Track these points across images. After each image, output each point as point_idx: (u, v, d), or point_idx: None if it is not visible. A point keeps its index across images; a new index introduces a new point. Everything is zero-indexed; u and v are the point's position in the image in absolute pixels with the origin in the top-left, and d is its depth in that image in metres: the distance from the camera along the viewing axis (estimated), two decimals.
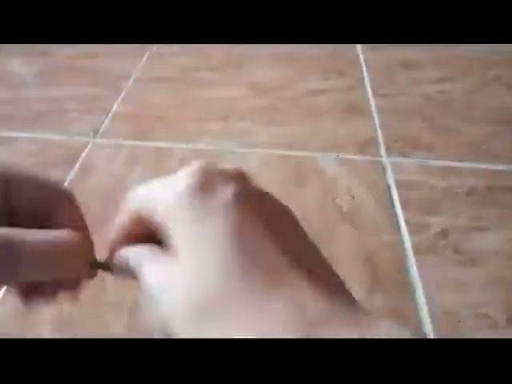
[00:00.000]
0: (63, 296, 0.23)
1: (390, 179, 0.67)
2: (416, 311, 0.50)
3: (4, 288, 0.53)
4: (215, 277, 0.18)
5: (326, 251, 0.21)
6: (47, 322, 0.50)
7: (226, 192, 0.19)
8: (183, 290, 0.18)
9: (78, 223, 0.24)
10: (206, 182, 0.19)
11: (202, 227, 0.18)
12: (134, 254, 0.22)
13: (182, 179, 0.20)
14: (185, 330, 0.18)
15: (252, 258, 0.18)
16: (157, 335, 0.22)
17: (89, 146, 0.74)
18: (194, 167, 0.20)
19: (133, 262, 0.22)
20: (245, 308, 0.17)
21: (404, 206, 0.62)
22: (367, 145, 0.73)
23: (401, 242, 0.58)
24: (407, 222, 0.60)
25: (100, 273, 0.25)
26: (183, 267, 0.19)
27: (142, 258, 0.21)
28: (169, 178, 0.21)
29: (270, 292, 0.17)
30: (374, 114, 0.80)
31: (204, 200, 0.19)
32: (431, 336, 0.48)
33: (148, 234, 0.22)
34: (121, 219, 0.23)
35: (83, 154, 0.72)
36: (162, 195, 0.20)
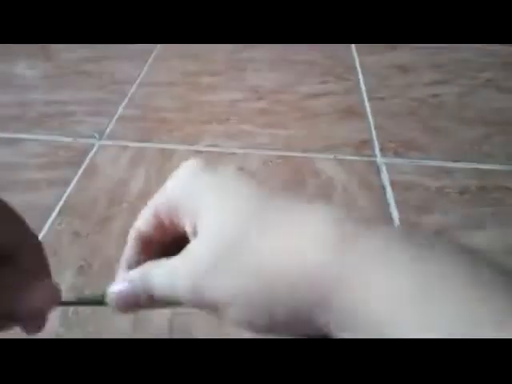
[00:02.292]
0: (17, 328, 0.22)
1: (385, 179, 0.69)
2: None
3: None
4: (234, 214, 0.20)
5: None
6: (53, 317, 0.51)
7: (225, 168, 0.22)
8: (209, 246, 0.20)
9: (41, 268, 0.24)
10: (204, 163, 0.23)
11: (219, 193, 0.21)
12: (140, 269, 0.23)
13: (183, 168, 0.23)
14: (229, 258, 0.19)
15: (269, 198, 0.20)
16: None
17: (94, 148, 0.76)
18: (189, 162, 0.23)
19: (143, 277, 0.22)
20: (282, 217, 0.19)
21: (398, 206, 0.64)
22: (363, 146, 0.75)
23: None
24: (401, 221, 0.62)
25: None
26: (205, 232, 0.20)
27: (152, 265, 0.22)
28: (172, 176, 0.23)
29: (298, 208, 0.20)
30: (370, 116, 0.82)
31: (209, 172, 0.22)
32: None
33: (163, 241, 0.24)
34: (140, 222, 0.24)
35: (89, 156, 0.74)
36: (173, 186, 0.23)
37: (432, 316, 0.15)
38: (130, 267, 0.24)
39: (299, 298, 0.17)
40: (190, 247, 0.21)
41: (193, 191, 0.21)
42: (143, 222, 0.24)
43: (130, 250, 0.24)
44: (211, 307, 0.19)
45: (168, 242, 0.24)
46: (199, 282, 0.19)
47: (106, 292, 0.23)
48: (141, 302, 0.22)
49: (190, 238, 0.21)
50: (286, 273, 0.18)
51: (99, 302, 0.23)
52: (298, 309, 0.17)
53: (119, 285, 0.22)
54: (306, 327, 0.18)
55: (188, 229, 0.21)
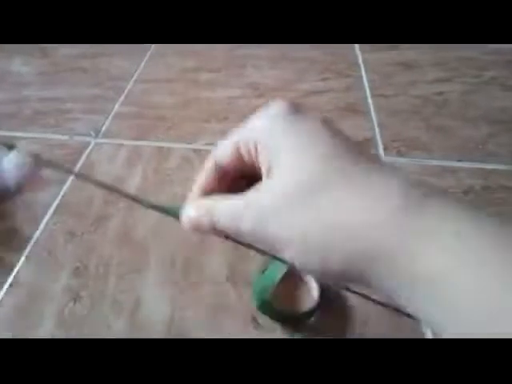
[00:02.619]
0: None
1: None
2: None
3: (4, 289, 0.54)
4: (310, 162, 0.20)
5: None
6: (49, 318, 0.50)
7: (312, 114, 0.23)
8: (280, 187, 0.20)
9: None
10: (294, 106, 0.23)
11: (296, 136, 0.22)
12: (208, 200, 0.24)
13: (272, 107, 0.23)
14: (294, 211, 0.20)
15: (342, 149, 0.22)
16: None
17: (90, 146, 0.75)
18: (278, 102, 0.24)
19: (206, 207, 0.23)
20: (347, 179, 0.20)
21: None
22: (365, 144, 0.74)
23: None
24: None
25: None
26: (278, 173, 0.21)
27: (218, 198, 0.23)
28: (258, 113, 0.24)
29: (365, 167, 0.20)
30: (372, 114, 0.81)
31: (296, 116, 0.23)
32: (429, 336, 0.49)
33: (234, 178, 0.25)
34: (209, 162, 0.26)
35: (85, 154, 0.73)
36: (258, 122, 0.23)
37: (486, 278, 0.15)
38: (202, 193, 0.25)
39: (354, 250, 0.18)
40: (260, 186, 0.21)
41: (273, 132, 0.22)
42: (222, 151, 0.25)
43: (204, 176, 0.26)
44: (269, 244, 0.20)
45: (243, 179, 0.25)
46: (264, 215, 0.20)
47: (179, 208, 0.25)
48: (205, 229, 0.23)
49: (264, 177, 0.22)
50: (347, 225, 0.18)
51: (176, 215, 0.25)
52: (351, 260, 0.18)
53: (188, 210, 0.24)
54: (356, 279, 0.19)
55: (263, 167, 0.22)
